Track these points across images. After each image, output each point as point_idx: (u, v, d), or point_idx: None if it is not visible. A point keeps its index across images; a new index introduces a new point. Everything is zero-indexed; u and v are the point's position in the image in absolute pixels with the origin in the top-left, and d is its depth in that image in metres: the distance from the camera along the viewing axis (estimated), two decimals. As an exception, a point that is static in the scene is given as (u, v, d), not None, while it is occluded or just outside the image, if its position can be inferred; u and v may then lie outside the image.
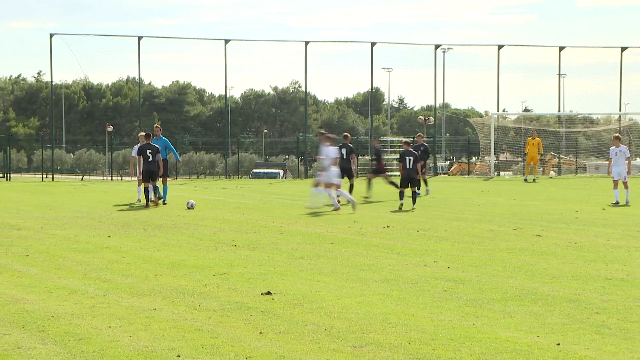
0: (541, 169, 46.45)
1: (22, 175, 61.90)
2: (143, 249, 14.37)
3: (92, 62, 50.48)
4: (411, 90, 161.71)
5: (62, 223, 18.55)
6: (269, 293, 10.15)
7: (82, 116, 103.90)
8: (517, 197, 27.22)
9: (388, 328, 8.42)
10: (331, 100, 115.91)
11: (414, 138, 35.81)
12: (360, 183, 26.17)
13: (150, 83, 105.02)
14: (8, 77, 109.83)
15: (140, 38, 42.25)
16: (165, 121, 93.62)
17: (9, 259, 13.23)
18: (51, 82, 45.24)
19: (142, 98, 49.88)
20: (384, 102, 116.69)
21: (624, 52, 47.45)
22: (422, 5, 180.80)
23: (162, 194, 24.03)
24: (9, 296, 10.08)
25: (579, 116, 61.97)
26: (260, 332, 8.25)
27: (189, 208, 21.97)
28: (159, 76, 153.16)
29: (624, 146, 25.08)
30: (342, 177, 24.97)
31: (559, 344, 7.80)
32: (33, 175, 58.88)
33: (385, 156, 50.33)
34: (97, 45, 46.30)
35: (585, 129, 60.04)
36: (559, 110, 51.55)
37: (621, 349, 7.69)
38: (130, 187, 31.47)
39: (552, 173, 49.15)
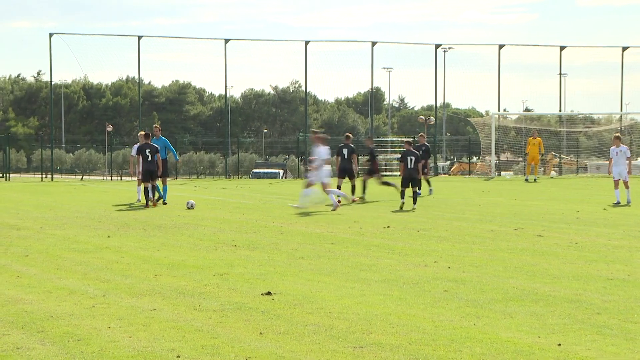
0: (542, 169, 46.41)
1: (22, 175, 61.89)
2: (143, 249, 14.34)
3: (92, 61, 50.56)
4: (412, 89, 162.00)
5: (61, 223, 18.53)
6: (269, 293, 10.13)
7: (81, 116, 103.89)
8: (518, 197, 27.19)
9: (388, 328, 8.39)
10: (331, 100, 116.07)
11: (414, 138, 35.76)
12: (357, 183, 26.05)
13: (150, 83, 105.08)
14: (7, 77, 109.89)
15: (140, 37, 42.22)
16: (165, 121, 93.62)
17: (8, 259, 13.21)
18: (50, 81, 45.24)
19: (141, 98, 49.83)
20: (385, 102, 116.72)
21: (625, 52, 47.43)
22: (423, 5, 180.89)
23: (162, 194, 23.99)
24: (8, 296, 10.06)
25: (580, 116, 61.90)
26: (261, 333, 8.23)
27: (188, 208, 21.95)
28: (158, 76, 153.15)
29: (625, 146, 25.07)
30: (343, 177, 24.99)
31: (560, 345, 7.78)
32: (32, 175, 58.89)
33: (386, 156, 50.42)
34: (97, 45, 46.28)
35: (587, 129, 59.96)
36: (560, 110, 51.52)
37: (622, 349, 7.67)
38: (129, 187, 31.45)
39: (553, 173, 49.11)
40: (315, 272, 11.85)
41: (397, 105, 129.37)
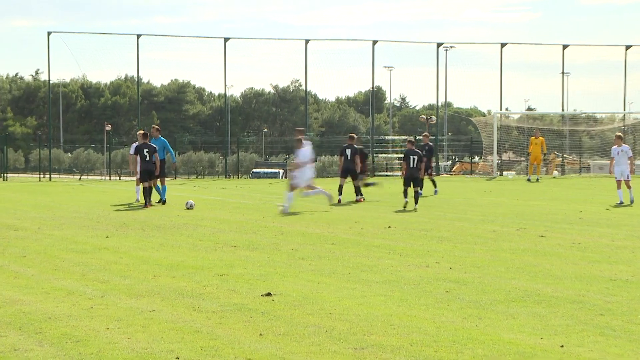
0: (544, 168, 46.36)
1: (20, 175, 61.92)
2: (142, 249, 14.28)
3: (91, 60, 50.52)
4: (413, 88, 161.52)
5: (59, 223, 18.47)
6: (269, 294, 10.07)
7: (80, 115, 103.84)
8: (520, 197, 27.14)
9: (390, 330, 8.34)
10: (332, 99, 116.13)
11: (415, 137, 35.70)
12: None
13: (149, 82, 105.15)
14: (5, 76, 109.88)
15: (139, 36, 42.16)
16: (164, 120, 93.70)
17: (6, 259, 13.15)
18: (49, 80, 45.08)
19: (140, 97, 49.86)
20: (386, 101, 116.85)
21: (628, 51, 47.36)
22: (424, 3, 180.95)
23: (161, 194, 23.94)
24: (5, 297, 10.01)
25: (582, 115, 61.87)
26: (260, 334, 8.17)
27: (188, 208, 21.88)
28: (157, 74, 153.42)
29: (626, 145, 25.07)
30: (346, 177, 24.95)
31: (562, 346, 7.75)
32: (30, 175, 58.94)
33: (387, 155, 50.40)
34: (96, 44, 46.16)
35: (589, 128, 59.93)
36: (563, 109, 51.48)
37: (626, 350, 7.63)
38: (128, 187, 31.40)
39: (555, 173, 49.04)
40: (316, 272, 11.80)
41: (398, 105, 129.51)
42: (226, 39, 43.61)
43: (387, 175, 45.81)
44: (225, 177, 47.78)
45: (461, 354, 7.48)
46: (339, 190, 24.29)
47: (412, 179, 22.63)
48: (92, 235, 16.31)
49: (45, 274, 11.69)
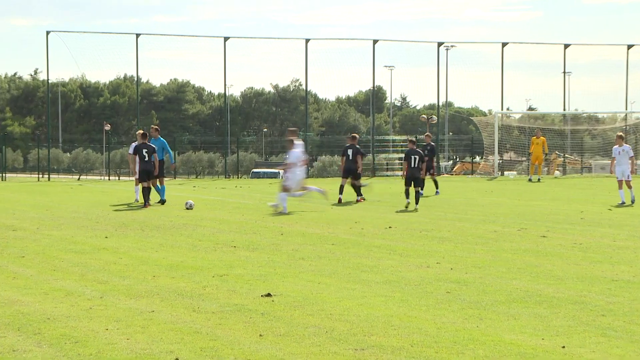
0: (546, 168, 46.29)
1: (18, 175, 61.86)
2: (141, 250, 14.25)
3: (90, 60, 50.55)
4: (414, 88, 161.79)
5: (58, 224, 18.44)
6: (269, 295, 10.04)
7: (79, 115, 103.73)
8: (521, 197, 27.11)
9: (390, 330, 8.32)
10: (332, 98, 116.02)
11: (416, 137, 35.66)
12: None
13: (148, 81, 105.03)
14: (4, 76, 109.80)
15: (138, 35, 42.13)
16: (163, 120, 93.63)
17: (5, 260, 13.13)
18: (47, 80, 45.08)
19: (140, 96, 49.84)
20: (386, 101, 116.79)
21: (630, 50, 47.30)
22: (425, 2, 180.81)
23: (160, 194, 23.90)
24: (4, 298, 9.98)
25: (584, 115, 61.86)
26: (260, 335, 8.15)
27: (187, 208, 21.85)
28: (157, 74, 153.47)
29: (627, 145, 25.07)
30: (347, 178, 24.91)
31: (564, 347, 7.73)
32: (29, 175, 58.85)
33: (388, 155, 50.36)
34: (95, 43, 46.00)
35: (591, 128, 59.88)
36: (564, 109, 51.44)
37: (627, 351, 7.61)
38: (127, 187, 31.37)
39: (557, 173, 48.99)
40: (316, 273, 11.77)
41: (398, 104, 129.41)
42: (226, 39, 43.57)
43: (387, 175, 45.78)
44: (225, 177, 47.74)
45: (462, 354, 7.46)
46: (339, 190, 24.26)
47: (413, 179, 22.59)
48: (91, 235, 16.27)
49: (44, 275, 11.67)
